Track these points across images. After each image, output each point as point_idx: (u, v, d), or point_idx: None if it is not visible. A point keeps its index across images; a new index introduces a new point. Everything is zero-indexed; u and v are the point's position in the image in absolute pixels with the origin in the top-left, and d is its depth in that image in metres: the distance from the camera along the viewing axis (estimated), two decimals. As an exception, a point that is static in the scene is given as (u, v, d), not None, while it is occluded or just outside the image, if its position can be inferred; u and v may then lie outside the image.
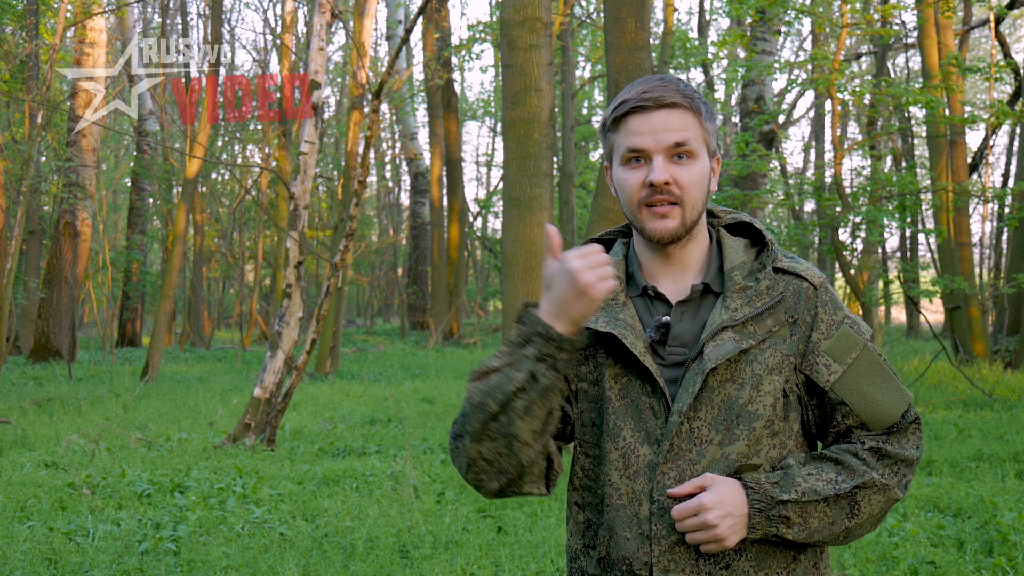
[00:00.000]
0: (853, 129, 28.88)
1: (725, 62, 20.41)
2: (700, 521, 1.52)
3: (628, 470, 1.60)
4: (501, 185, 21.05)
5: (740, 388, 1.58)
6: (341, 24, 19.46)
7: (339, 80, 28.24)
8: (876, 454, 1.60)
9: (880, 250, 26.46)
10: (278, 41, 21.19)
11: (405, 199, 35.33)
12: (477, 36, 18.06)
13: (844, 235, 15.88)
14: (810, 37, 23.35)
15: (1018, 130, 18.82)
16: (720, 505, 1.52)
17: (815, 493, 1.55)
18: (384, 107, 25.37)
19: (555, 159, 15.52)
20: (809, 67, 16.58)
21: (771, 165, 16.66)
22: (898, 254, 28.29)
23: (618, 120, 1.64)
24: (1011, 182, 18.17)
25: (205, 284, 27.85)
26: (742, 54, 16.21)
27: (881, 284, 19.83)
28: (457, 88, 27.40)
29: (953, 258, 13.85)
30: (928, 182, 15.49)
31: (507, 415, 1.53)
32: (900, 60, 28.20)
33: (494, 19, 19.13)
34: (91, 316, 25.09)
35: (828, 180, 14.11)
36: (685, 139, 1.60)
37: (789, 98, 23.32)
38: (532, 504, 5.63)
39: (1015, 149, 21.21)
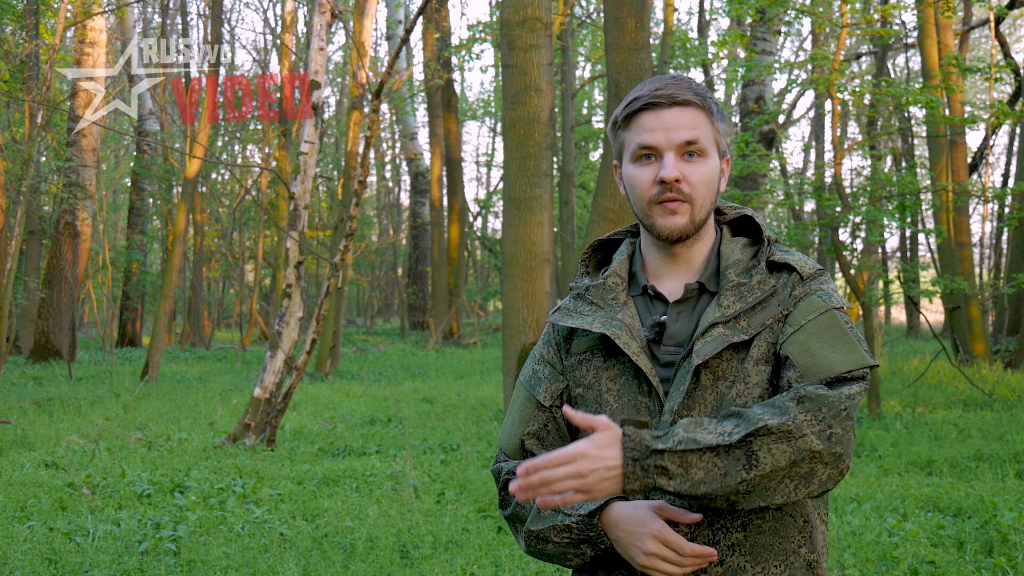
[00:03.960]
0: (853, 129, 28.87)
1: (725, 62, 20.39)
2: (572, 470, 1.41)
3: None
4: (501, 185, 21.04)
5: (731, 385, 1.57)
6: (341, 24, 19.46)
7: (339, 80, 28.22)
8: (796, 399, 1.46)
9: (880, 250, 26.43)
10: (278, 41, 21.19)
11: (405, 199, 35.34)
12: (477, 36, 18.05)
13: (844, 235, 15.83)
14: (810, 37, 23.35)
15: (1018, 130, 18.82)
16: (596, 457, 1.42)
17: (695, 442, 1.41)
18: (384, 107, 25.36)
19: (555, 159, 15.53)
20: (809, 67, 16.57)
21: (771, 165, 16.65)
22: (898, 254, 28.26)
23: (629, 117, 1.64)
24: (1011, 182, 18.17)
25: (205, 284, 27.83)
26: (742, 54, 16.20)
27: (881, 284, 19.78)
28: (457, 88, 27.40)
29: (953, 258, 13.86)
30: (928, 182, 15.49)
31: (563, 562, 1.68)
32: (900, 60, 28.21)
33: (494, 19, 19.11)
34: (91, 316, 25.08)
35: (828, 180, 14.09)
36: (696, 137, 1.60)
37: (789, 98, 23.31)
38: (532, 504, 5.62)
39: (1015, 149, 21.21)
